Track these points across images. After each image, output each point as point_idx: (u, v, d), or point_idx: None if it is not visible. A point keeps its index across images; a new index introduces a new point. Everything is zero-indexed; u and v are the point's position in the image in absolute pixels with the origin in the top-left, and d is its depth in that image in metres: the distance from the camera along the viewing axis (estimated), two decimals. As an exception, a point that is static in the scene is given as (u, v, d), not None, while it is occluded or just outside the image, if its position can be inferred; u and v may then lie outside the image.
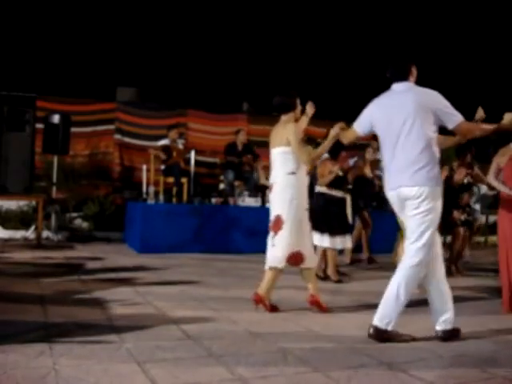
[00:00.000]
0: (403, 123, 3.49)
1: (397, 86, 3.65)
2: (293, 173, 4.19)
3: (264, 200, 8.52)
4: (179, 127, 9.92)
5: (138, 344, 3.09)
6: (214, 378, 2.60)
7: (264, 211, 8.33)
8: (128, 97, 11.21)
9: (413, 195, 3.43)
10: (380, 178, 7.95)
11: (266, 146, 12.07)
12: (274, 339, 3.32)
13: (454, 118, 3.49)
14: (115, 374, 2.59)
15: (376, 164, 8.15)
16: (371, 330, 3.42)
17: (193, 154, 8.79)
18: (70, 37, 11.01)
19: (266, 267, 4.22)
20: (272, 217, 4.25)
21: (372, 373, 2.79)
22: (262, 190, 8.85)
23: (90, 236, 8.94)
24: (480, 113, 3.84)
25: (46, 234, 8.52)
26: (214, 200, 8.43)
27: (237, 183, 9.06)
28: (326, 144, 4.25)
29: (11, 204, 9.13)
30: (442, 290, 3.49)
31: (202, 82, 11.69)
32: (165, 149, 8.91)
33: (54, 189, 8.83)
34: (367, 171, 7.77)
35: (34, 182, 8.97)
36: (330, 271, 5.92)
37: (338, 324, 3.82)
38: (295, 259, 4.14)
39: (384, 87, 3.77)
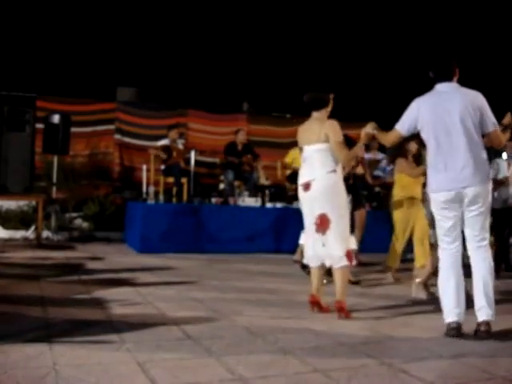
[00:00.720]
0: (460, 124, 3.54)
1: (441, 87, 3.68)
2: (334, 171, 4.11)
3: (264, 200, 8.53)
4: (179, 127, 9.92)
5: (138, 344, 3.09)
6: (214, 378, 2.60)
7: (264, 211, 8.42)
8: (128, 97, 11.21)
9: (477, 194, 3.53)
10: (378, 178, 7.95)
11: (266, 145, 12.22)
12: (274, 339, 3.32)
13: (493, 123, 3.60)
14: (115, 374, 2.59)
15: (375, 164, 8.15)
16: (486, 327, 3.51)
17: (193, 154, 8.79)
18: (70, 37, 11.00)
19: (315, 265, 4.17)
20: (315, 215, 4.11)
21: (372, 373, 2.78)
22: (262, 190, 8.86)
23: (90, 236, 8.94)
24: (508, 118, 3.87)
25: (45, 233, 8.52)
26: (214, 200, 8.44)
27: (237, 183, 9.06)
28: (360, 144, 4.19)
29: (11, 204, 9.13)
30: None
31: (202, 81, 11.69)
32: (165, 149, 8.92)
33: (54, 189, 8.83)
34: (358, 169, 7.72)
35: (34, 182, 8.96)
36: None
37: (338, 324, 3.82)
38: (350, 257, 4.07)
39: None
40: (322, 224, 4.07)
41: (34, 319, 3.57)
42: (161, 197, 8.09)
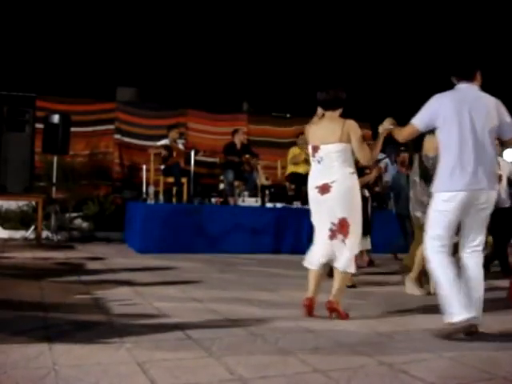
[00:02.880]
0: (484, 125, 3.52)
1: (463, 87, 3.63)
2: (354, 172, 3.95)
3: (264, 200, 8.53)
4: (179, 127, 9.92)
5: (138, 344, 3.08)
6: (214, 378, 2.60)
7: (264, 211, 8.42)
8: (128, 97, 11.20)
9: (489, 199, 3.55)
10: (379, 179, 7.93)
11: (266, 145, 12.21)
12: (274, 339, 3.31)
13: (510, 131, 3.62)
14: (115, 374, 2.59)
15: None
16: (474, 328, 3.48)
17: (193, 154, 8.80)
18: (70, 36, 10.99)
19: (341, 269, 3.93)
20: (332, 220, 3.90)
21: (372, 373, 2.78)
22: (262, 190, 8.86)
23: (90, 236, 8.94)
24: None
25: (45, 234, 8.52)
26: (214, 200, 8.43)
27: (237, 183, 9.06)
28: (379, 141, 4.03)
29: (11, 204, 9.13)
30: None
31: (202, 81, 11.68)
32: (165, 148, 8.91)
33: (54, 189, 8.83)
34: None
35: (34, 181, 8.97)
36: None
37: (338, 324, 3.81)
38: (355, 263, 4.02)
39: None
40: (343, 229, 3.88)
41: (34, 319, 3.56)
42: (161, 197, 8.09)
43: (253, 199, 8.45)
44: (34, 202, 8.86)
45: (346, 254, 3.91)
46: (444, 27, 11.92)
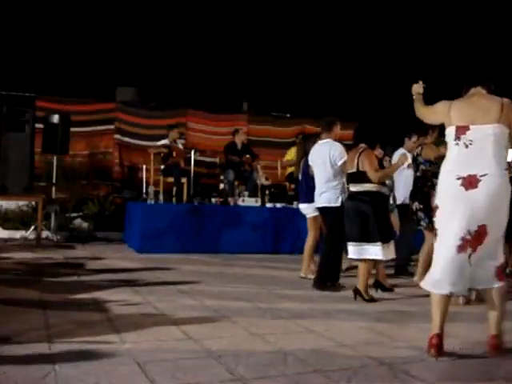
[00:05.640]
0: None
1: None
2: (507, 168, 3.10)
3: (264, 200, 8.52)
4: (179, 127, 9.92)
5: (138, 344, 3.09)
6: (214, 379, 2.60)
7: (264, 211, 8.41)
8: (128, 96, 11.21)
9: None
10: None
11: (266, 145, 12.18)
12: (273, 339, 3.31)
13: None
14: (115, 375, 2.59)
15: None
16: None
17: (193, 154, 8.79)
18: (69, 36, 10.99)
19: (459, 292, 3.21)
20: (474, 227, 2.99)
21: (372, 373, 2.78)
22: (262, 190, 8.86)
23: (90, 236, 8.93)
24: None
25: (45, 234, 8.51)
26: (214, 200, 8.43)
27: (237, 183, 9.06)
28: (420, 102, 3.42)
29: (11, 204, 9.12)
30: None
31: (201, 81, 11.68)
32: (165, 149, 8.91)
33: (54, 189, 8.82)
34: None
35: (34, 182, 8.95)
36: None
37: (338, 325, 3.81)
38: (501, 275, 3.16)
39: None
40: (477, 239, 3.00)
41: (34, 319, 3.56)
42: (161, 197, 8.08)
43: (253, 199, 8.45)
44: (33, 202, 8.85)
45: (477, 270, 3.07)
46: (440, 28, 11.93)
